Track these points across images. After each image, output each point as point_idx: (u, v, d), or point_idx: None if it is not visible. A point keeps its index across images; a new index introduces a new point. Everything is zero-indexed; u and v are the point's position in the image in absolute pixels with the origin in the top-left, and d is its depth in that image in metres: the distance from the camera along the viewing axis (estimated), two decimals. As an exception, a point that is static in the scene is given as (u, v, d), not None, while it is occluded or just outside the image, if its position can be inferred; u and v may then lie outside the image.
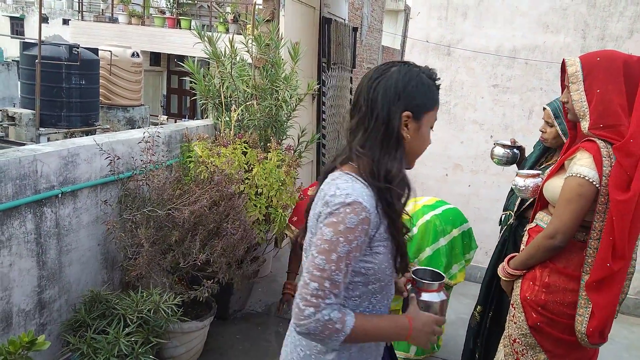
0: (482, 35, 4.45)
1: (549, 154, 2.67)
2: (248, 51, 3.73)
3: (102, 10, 16.39)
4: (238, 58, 3.71)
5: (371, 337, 1.31)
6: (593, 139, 1.83)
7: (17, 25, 25.79)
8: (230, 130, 3.51)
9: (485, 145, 4.44)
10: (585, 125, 1.85)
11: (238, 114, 3.53)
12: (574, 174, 1.82)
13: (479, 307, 2.77)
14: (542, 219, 2.08)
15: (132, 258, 2.67)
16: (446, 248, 2.93)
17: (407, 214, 1.36)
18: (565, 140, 2.42)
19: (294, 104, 3.79)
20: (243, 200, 2.98)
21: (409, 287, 1.49)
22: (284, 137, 3.82)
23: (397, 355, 3.00)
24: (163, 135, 3.18)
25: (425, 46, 4.62)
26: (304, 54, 3.87)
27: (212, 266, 2.78)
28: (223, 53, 3.64)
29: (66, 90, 7.65)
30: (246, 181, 3.17)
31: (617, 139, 1.78)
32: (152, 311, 2.49)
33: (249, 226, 2.98)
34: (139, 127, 6.58)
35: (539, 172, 2.42)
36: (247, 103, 3.62)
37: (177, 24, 13.26)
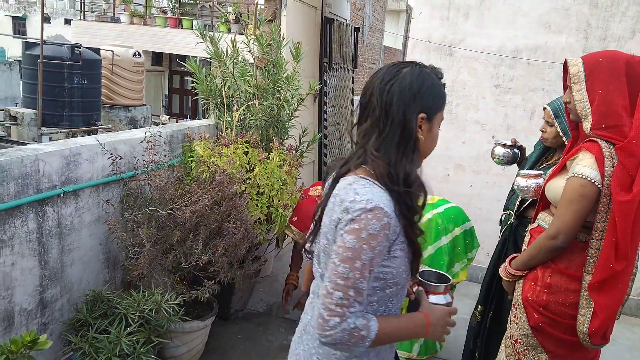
0: (484, 36, 4.44)
1: (549, 154, 2.67)
2: (250, 51, 3.73)
3: (104, 10, 16.40)
4: (240, 58, 3.71)
5: (393, 338, 1.30)
6: (595, 139, 1.83)
7: (19, 25, 25.84)
8: (232, 130, 3.51)
9: (487, 146, 4.43)
10: (587, 125, 1.85)
11: (240, 114, 3.54)
12: (576, 175, 1.82)
13: (479, 307, 2.77)
14: (544, 219, 2.08)
15: (134, 258, 2.67)
16: (448, 246, 2.93)
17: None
18: (565, 140, 2.42)
19: (296, 104, 3.79)
20: (244, 200, 2.99)
21: (415, 289, 1.49)
22: (286, 137, 3.82)
23: (400, 356, 3.01)
24: (165, 135, 3.19)
25: (427, 46, 4.62)
26: (305, 54, 3.87)
27: (213, 266, 2.78)
28: (225, 53, 3.64)
29: (68, 90, 7.67)
30: (248, 181, 3.18)
31: (619, 139, 1.78)
32: (153, 311, 2.50)
33: (250, 226, 2.98)
34: (141, 127, 6.59)
35: (541, 172, 2.41)
36: (249, 103, 3.62)
37: (179, 24, 13.28)
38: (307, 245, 1.52)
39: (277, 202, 3.25)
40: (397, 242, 1.24)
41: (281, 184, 3.25)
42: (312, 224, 1.44)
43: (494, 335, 2.61)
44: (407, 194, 1.24)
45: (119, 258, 2.94)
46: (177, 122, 8.96)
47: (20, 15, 25.72)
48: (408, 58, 5.34)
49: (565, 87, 2.00)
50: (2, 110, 7.96)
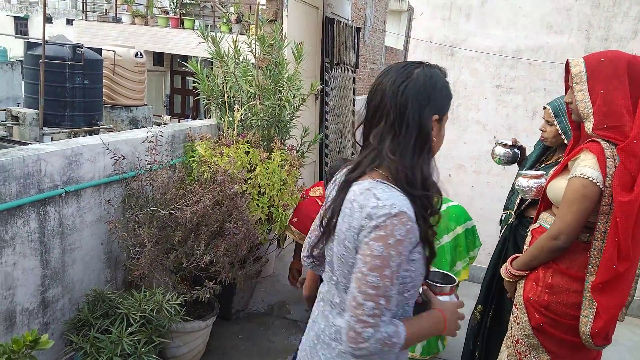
0: (486, 36, 4.44)
1: (549, 154, 2.68)
2: (251, 51, 3.73)
3: (106, 10, 16.42)
4: (241, 58, 3.71)
5: (418, 339, 1.30)
6: (597, 139, 1.82)
7: (21, 25, 25.86)
8: (234, 130, 3.51)
9: (488, 146, 4.42)
10: (589, 125, 1.85)
11: (241, 114, 3.54)
12: (577, 175, 1.82)
13: (479, 306, 2.77)
14: (545, 219, 2.08)
15: (135, 258, 2.68)
16: (450, 245, 2.94)
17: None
18: (564, 139, 2.43)
19: (297, 104, 3.79)
20: (246, 200, 2.99)
21: (420, 290, 1.49)
22: (287, 137, 3.82)
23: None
24: (166, 135, 3.19)
25: (429, 46, 4.62)
26: (307, 54, 3.87)
27: (214, 266, 2.78)
28: (226, 53, 3.64)
29: (70, 90, 7.67)
30: (249, 181, 3.18)
31: (621, 139, 1.78)
32: (155, 311, 2.50)
33: (251, 226, 2.98)
34: (142, 127, 6.59)
35: (543, 172, 2.42)
36: (251, 103, 3.62)
37: (180, 24, 13.29)
38: (308, 251, 1.49)
39: (278, 202, 3.25)
40: (417, 245, 1.23)
41: (281, 183, 3.25)
42: (318, 229, 1.41)
43: (494, 335, 2.61)
44: (425, 197, 1.23)
45: (121, 258, 2.94)
46: (178, 122, 8.97)
47: (22, 15, 25.75)
48: (409, 58, 5.34)
49: (567, 87, 1.99)
50: (4, 110, 7.97)
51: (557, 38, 4.26)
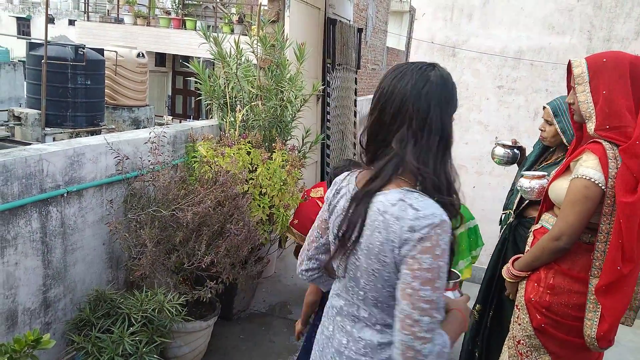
0: (487, 37, 4.44)
1: (549, 153, 2.68)
2: (253, 52, 3.73)
3: (108, 11, 16.43)
4: (243, 59, 3.72)
5: (452, 342, 1.28)
6: (599, 140, 1.82)
7: (23, 26, 25.93)
8: (235, 130, 3.52)
9: (490, 147, 4.42)
10: (591, 126, 1.85)
11: (243, 115, 3.54)
12: (579, 176, 1.82)
13: (477, 305, 2.77)
14: (547, 220, 2.07)
15: (137, 258, 2.68)
16: None
17: None
18: (564, 139, 2.43)
19: (299, 105, 3.80)
20: (247, 201, 2.99)
21: None
22: (289, 137, 3.82)
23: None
24: (168, 135, 3.19)
25: (431, 47, 4.62)
26: (309, 55, 3.87)
27: (216, 266, 2.78)
28: (228, 54, 3.65)
29: (72, 90, 7.68)
30: (250, 181, 3.18)
31: (623, 140, 1.77)
32: (156, 311, 2.50)
33: (252, 226, 2.98)
34: (144, 128, 6.59)
35: (544, 173, 2.42)
36: (252, 103, 3.62)
37: (182, 25, 13.29)
38: (313, 264, 1.46)
39: (279, 202, 3.25)
40: None
41: (282, 183, 3.25)
42: (318, 240, 1.38)
43: (495, 335, 2.61)
44: (451, 202, 1.22)
45: (122, 258, 2.94)
46: (180, 122, 8.98)
47: (24, 16, 25.81)
48: (411, 59, 5.34)
49: (569, 88, 1.99)
50: (6, 110, 7.98)
51: (559, 39, 4.25)
